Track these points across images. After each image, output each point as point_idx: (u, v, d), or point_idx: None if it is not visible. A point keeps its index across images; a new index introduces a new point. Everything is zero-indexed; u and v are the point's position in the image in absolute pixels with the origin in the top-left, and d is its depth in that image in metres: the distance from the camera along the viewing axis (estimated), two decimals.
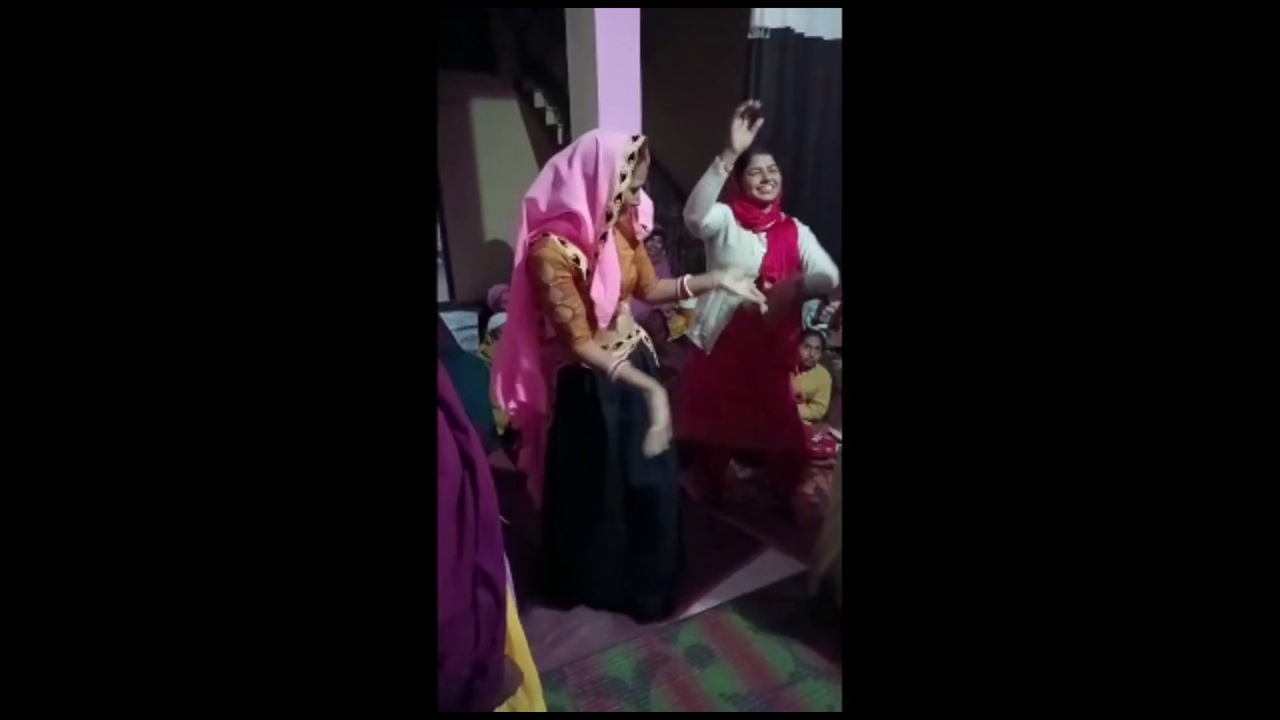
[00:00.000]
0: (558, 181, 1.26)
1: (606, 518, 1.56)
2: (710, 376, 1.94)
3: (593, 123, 2.50)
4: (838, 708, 1.43)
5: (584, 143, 1.26)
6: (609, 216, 1.28)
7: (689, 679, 1.51)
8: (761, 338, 1.85)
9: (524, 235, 1.32)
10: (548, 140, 4.55)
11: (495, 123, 4.57)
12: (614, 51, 2.43)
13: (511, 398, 1.50)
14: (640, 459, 1.36)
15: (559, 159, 1.28)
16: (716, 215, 1.75)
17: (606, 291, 1.33)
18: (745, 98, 1.97)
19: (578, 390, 1.45)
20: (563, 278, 1.28)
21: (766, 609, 1.73)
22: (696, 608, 1.72)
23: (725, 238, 1.79)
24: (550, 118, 4.48)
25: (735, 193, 1.77)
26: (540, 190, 1.29)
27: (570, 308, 1.31)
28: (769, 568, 1.89)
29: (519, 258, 1.33)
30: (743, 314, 1.80)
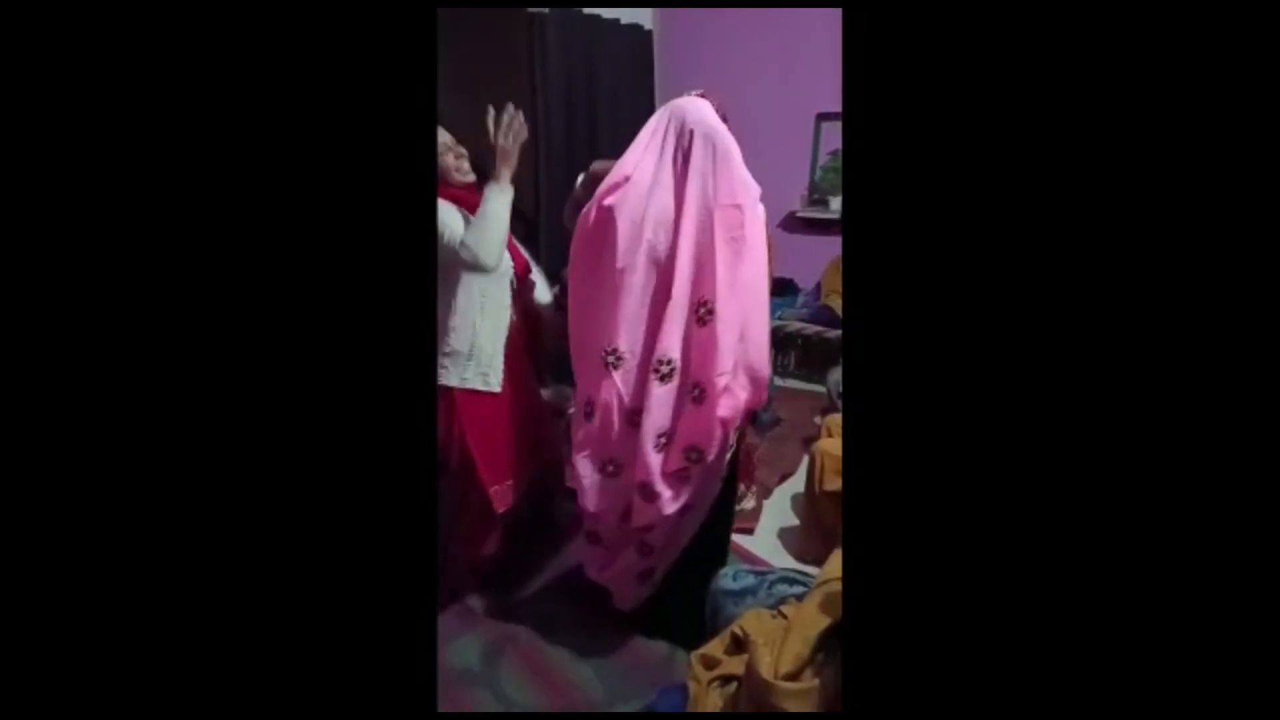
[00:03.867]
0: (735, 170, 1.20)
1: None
2: (504, 418, 1.55)
3: None
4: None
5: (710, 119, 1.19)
6: None
7: (534, 651, 1.54)
8: (524, 344, 1.59)
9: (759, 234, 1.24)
10: None
11: None
12: None
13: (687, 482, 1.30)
14: None
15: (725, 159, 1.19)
16: (457, 221, 1.40)
17: None
18: (532, 74, 1.92)
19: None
20: None
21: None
22: (534, 586, 1.76)
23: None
24: None
25: (440, 187, 1.43)
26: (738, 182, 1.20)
27: None
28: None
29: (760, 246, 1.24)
30: (511, 323, 1.53)
